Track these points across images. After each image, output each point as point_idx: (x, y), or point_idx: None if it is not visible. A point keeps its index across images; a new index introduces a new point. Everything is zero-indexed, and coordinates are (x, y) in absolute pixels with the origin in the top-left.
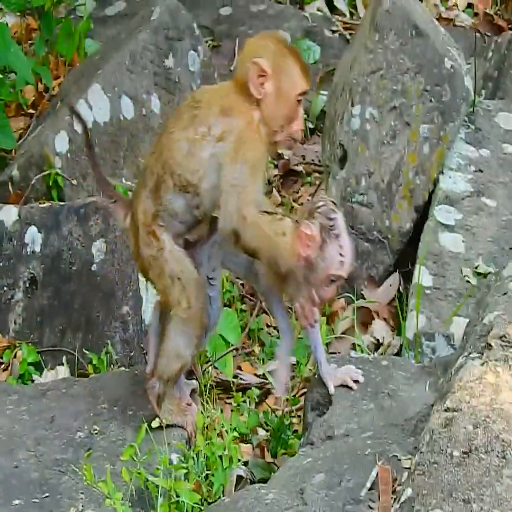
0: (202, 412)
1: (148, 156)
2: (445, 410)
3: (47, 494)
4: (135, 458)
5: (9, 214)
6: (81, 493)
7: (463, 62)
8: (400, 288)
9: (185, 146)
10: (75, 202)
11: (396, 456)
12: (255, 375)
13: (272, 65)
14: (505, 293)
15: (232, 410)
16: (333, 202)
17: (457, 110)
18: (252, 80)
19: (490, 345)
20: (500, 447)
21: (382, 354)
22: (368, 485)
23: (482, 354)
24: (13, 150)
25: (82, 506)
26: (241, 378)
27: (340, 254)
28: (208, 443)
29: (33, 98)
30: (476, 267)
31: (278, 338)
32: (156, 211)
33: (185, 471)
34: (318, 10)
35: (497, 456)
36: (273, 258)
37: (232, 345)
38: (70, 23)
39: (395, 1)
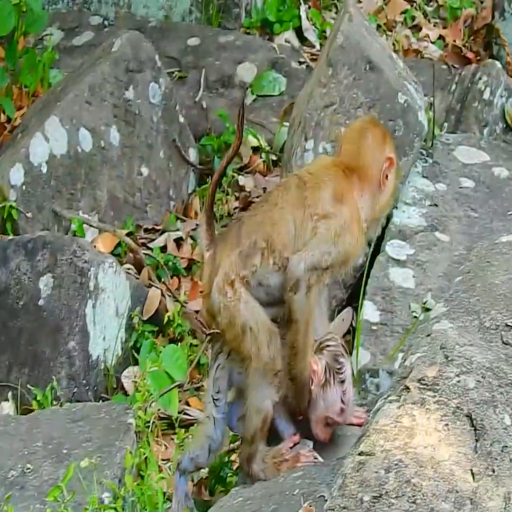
0: (130, 452)
1: (249, 216)
2: (359, 454)
3: None
4: (60, 499)
5: None
6: None
7: (419, 97)
8: (353, 322)
9: (293, 228)
10: (24, 236)
11: (324, 496)
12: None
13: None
14: (428, 335)
15: (176, 446)
16: (343, 345)
17: (410, 145)
18: (384, 174)
19: (408, 388)
20: (411, 492)
21: None
22: None
23: (400, 397)
24: None
25: None
26: (187, 414)
27: (342, 401)
28: (140, 482)
29: None
30: (424, 303)
31: None
32: (244, 276)
33: (114, 511)
34: (287, 41)
35: (408, 501)
36: (299, 350)
37: (176, 381)
38: (34, 54)
39: (349, 36)
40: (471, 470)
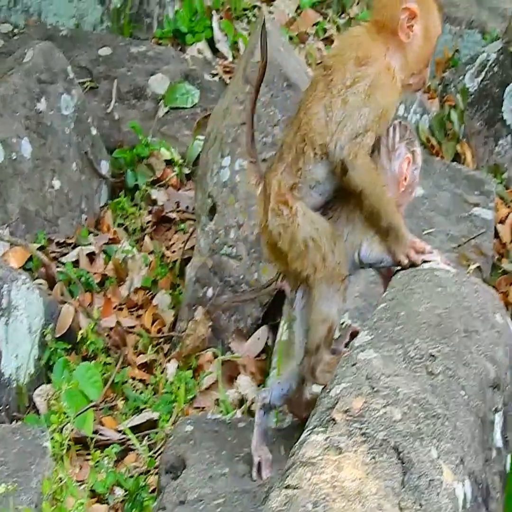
0: (48, 478)
1: (285, 133)
2: (286, 487)
3: None
4: None
5: None
6: None
7: None
8: (269, 342)
9: (323, 114)
10: None
11: None
12: (117, 431)
13: (419, 7)
14: (353, 364)
15: (90, 468)
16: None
17: None
18: (403, 25)
19: (334, 420)
20: None
21: (244, 412)
22: None
23: (326, 429)
24: None
25: None
26: (101, 434)
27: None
28: (57, 507)
29: None
30: (342, 324)
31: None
32: (294, 183)
33: None
34: (199, 52)
35: None
36: (376, 207)
37: (92, 400)
38: None
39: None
40: (399, 504)
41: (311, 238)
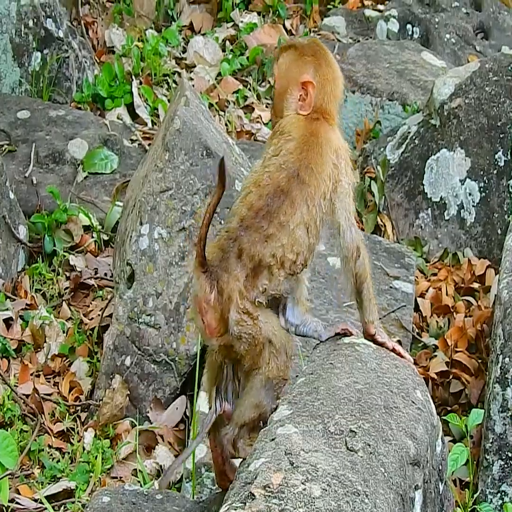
0: None
1: (245, 235)
2: None
3: None
4: None
5: None
6: None
7: None
8: (187, 411)
9: (304, 231)
10: None
11: None
12: (33, 499)
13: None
14: (272, 439)
15: None
16: None
17: None
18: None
19: (253, 495)
20: None
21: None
22: None
23: (245, 504)
24: None
25: None
26: (17, 503)
27: None
28: None
29: None
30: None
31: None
32: (256, 298)
33: None
34: (118, 118)
35: None
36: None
37: (8, 469)
38: None
39: (186, 120)
40: None
41: (269, 342)
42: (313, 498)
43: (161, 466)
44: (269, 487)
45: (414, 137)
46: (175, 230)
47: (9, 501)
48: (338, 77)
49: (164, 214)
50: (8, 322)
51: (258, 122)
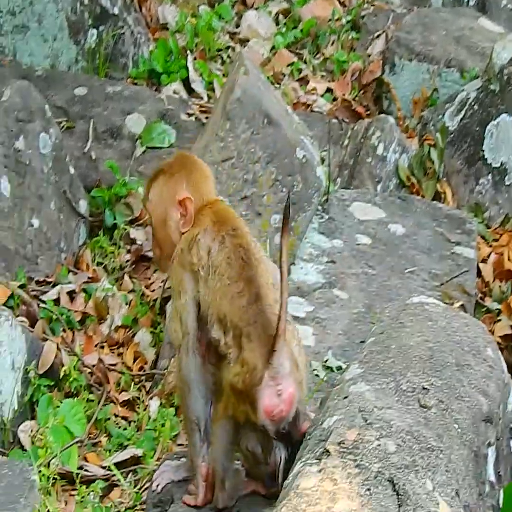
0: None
1: None
2: None
3: None
4: None
5: None
6: None
7: (315, 152)
8: None
9: None
10: None
11: None
12: (101, 467)
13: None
14: (345, 397)
15: (76, 503)
16: None
17: (308, 201)
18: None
19: (328, 452)
20: None
21: None
22: None
23: (320, 461)
24: None
25: None
26: (86, 470)
27: None
28: None
29: None
30: (325, 361)
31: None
32: None
33: None
34: (175, 92)
35: None
36: None
37: (76, 436)
38: None
39: (246, 89)
40: None
41: None
42: (388, 453)
43: None
44: (343, 443)
45: (473, 103)
46: (237, 199)
47: (78, 468)
48: (208, 174)
49: (226, 183)
50: (71, 294)
51: (313, 93)
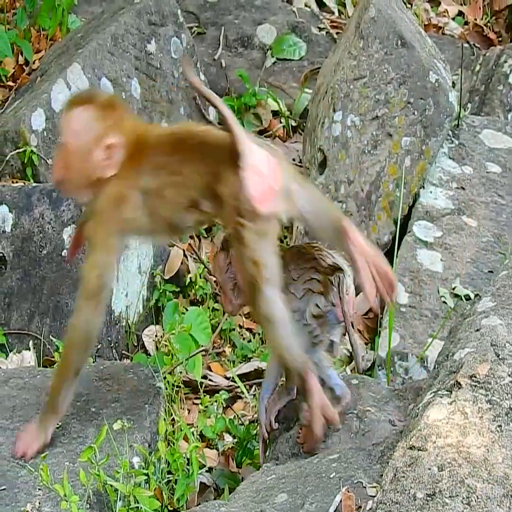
0: (165, 419)
1: None
2: (410, 448)
3: (3, 487)
4: (93, 461)
5: None
6: (39, 489)
7: (448, 76)
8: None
9: None
10: (48, 184)
11: (361, 482)
12: (225, 377)
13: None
14: (477, 330)
15: (199, 412)
16: None
17: (440, 125)
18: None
19: (460, 384)
20: (465, 493)
21: (353, 369)
22: (331, 510)
23: (451, 393)
24: None
25: (39, 503)
26: (210, 380)
27: None
28: (171, 448)
29: (13, 70)
30: (453, 289)
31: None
32: None
33: (145, 477)
34: (306, 5)
35: (462, 502)
36: None
37: (201, 345)
38: None
39: (381, 9)
40: None
41: None
42: None
43: (350, 352)
44: (475, 377)
45: None
46: (368, 118)
47: (201, 377)
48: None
49: (357, 102)
50: None
51: (444, 16)
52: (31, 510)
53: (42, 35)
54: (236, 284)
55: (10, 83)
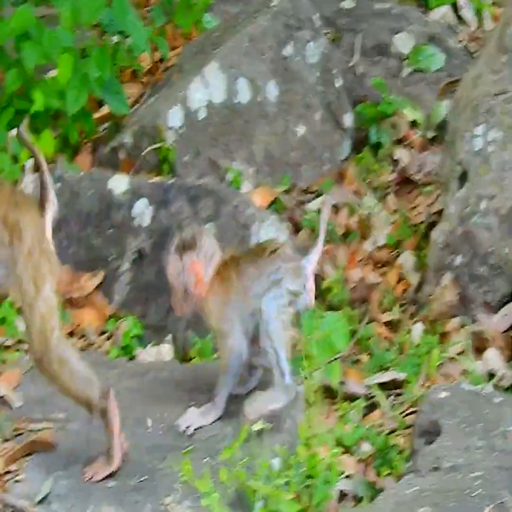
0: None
1: None
2: None
3: (145, 477)
4: (234, 460)
5: (120, 183)
6: (179, 484)
7: None
8: None
9: None
10: (185, 181)
11: (505, 503)
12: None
13: None
14: None
15: (338, 418)
16: None
17: None
18: None
19: None
20: None
21: (494, 386)
22: None
23: None
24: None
25: (179, 497)
26: (348, 386)
27: None
28: (310, 453)
29: (149, 66)
30: None
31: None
32: None
33: (286, 479)
34: (442, 17)
35: None
36: None
37: (339, 351)
38: None
39: None
40: None
41: None
42: None
43: (491, 369)
44: None
45: None
46: (511, 134)
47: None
48: None
49: (500, 117)
50: (334, 207)
51: None
52: (171, 503)
53: (177, 33)
54: (186, 290)
55: (145, 78)
